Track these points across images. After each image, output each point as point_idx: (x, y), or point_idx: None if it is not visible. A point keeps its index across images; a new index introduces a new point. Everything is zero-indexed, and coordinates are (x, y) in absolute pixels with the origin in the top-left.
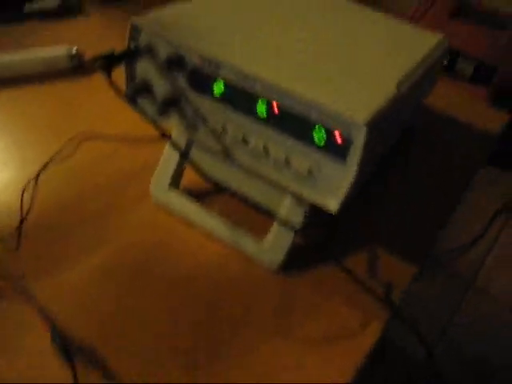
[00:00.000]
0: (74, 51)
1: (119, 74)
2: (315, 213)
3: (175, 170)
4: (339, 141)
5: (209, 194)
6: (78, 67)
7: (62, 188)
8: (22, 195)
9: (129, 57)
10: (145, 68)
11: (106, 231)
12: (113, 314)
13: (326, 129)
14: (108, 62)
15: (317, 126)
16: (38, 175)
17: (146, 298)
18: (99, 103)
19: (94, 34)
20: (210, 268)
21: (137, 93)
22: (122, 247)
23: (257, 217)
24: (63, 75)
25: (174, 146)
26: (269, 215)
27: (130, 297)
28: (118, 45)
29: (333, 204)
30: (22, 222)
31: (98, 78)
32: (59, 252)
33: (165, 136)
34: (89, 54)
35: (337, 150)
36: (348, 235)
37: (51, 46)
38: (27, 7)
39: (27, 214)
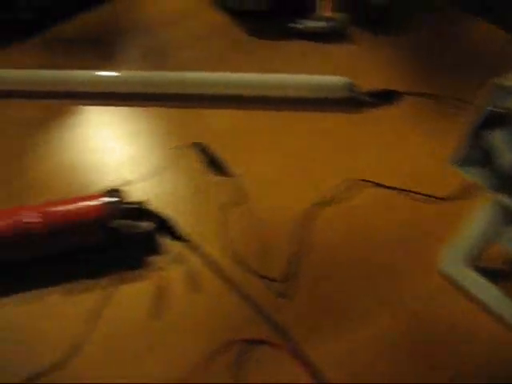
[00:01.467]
0: (353, 83)
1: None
2: None
3: (478, 245)
4: None
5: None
6: (350, 99)
7: (334, 231)
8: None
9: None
10: (496, 135)
11: (385, 291)
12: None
13: None
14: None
15: None
16: (312, 211)
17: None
18: (374, 142)
19: (363, 63)
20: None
21: (477, 160)
22: (403, 313)
23: None
24: (333, 105)
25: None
26: None
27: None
28: (390, 78)
29: None
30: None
31: (373, 116)
32: (334, 308)
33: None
34: (360, 85)
35: None
36: None
37: (322, 74)
38: (292, 26)
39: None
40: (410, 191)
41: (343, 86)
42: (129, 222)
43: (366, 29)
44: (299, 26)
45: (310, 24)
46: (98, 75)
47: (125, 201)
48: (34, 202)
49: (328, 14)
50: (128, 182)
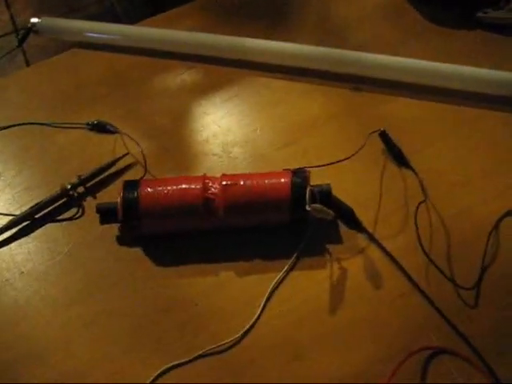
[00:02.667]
0: None
1: None
2: None
3: None
4: None
5: None
6: None
7: None
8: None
9: None
10: None
11: None
12: None
13: None
14: None
15: None
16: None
17: None
18: None
19: None
20: None
21: None
22: None
23: None
24: None
25: None
26: None
27: None
28: None
29: None
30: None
31: None
32: None
33: None
34: None
35: None
36: None
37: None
38: (481, 14)
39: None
40: None
41: None
42: (320, 207)
43: None
44: (487, 15)
45: (499, 14)
46: (269, 45)
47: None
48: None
49: None
50: (305, 165)
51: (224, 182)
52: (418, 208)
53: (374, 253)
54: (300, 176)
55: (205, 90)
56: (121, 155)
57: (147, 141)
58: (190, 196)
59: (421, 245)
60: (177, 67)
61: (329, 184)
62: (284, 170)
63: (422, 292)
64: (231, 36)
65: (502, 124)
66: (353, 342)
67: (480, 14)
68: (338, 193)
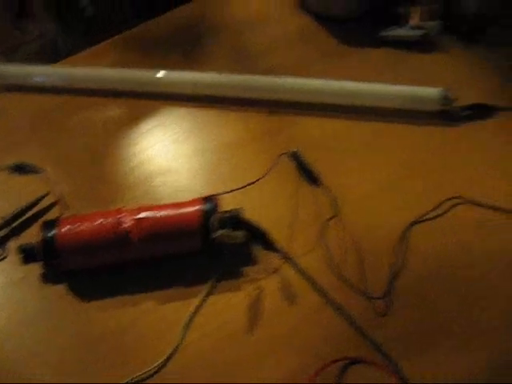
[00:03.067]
0: (449, 95)
1: None
2: None
3: None
4: None
5: None
6: (443, 112)
7: (432, 250)
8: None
9: None
10: None
11: (485, 319)
12: None
13: None
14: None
15: None
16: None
17: None
18: (470, 158)
19: (455, 74)
20: None
21: None
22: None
23: None
24: (426, 117)
25: None
26: None
27: None
28: (485, 91)
29: None
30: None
31: (467, 130)
32: (432, 328)
33: None
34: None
35: None
36: None
37: (414, 84)
38: (384, 33)
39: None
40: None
41: (439, 97)
42: (226, 232)
43: (459, 38)
44: (389, 33)
45: (401, 32)
46: (184, 76)
47: (221, 209)
48: (122, 206)
49: (419, 22)
50: (218, 190)
51: (138, 215)
52: (327, 224)
53: (289, 271)
54: (209, 203)
55: (127, 122)
56: (42, 195)
57: (71, 178)
58: (106, 230)
59: (330, 261)
60: (99, 103)
61: (239, 208)
62: (196, 198)
63: (335, 305)
64: (150, 69)
65: (407, 136)
66: (274, 358)
67: (383, 33)
68: (253, 214)
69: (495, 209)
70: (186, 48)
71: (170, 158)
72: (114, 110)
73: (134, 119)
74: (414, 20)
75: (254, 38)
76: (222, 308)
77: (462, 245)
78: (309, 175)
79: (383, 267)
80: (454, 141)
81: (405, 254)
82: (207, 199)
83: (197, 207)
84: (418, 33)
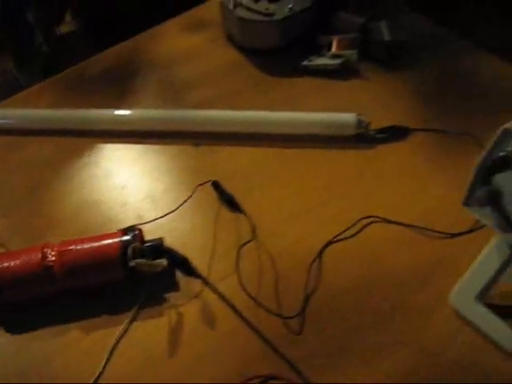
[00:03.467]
0: (363, 120)
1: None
2: None
3: (488, 282)
4: None
5: None
6: (360, 135)
7: (347, 268)
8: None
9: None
10: (503, 178)
11: (396, 331)
12: None
13: None
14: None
15: None
16: (324, 249)
17: None
18: (386, 178)
19: (373, 98)
20: None
21: (486, 201)
22: (417, 354)
23: None
24: (344, 141)
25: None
26: None
27: None
28: (400, 113)
29: None
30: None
31: (383, 152)
32: (347, 344)
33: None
34: (370, 121)
35: None
36: None
37: (334, 110)
38: (306, 63)
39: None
40: (423, 228)
41: (353, 122)
42: (146, 262)
43: (377, 65)
44: (311, 63)
45: (322, 61)
46: (115, 114)
47: (142, 239)
48: (54, 240)
49: (339, 50)
50: (145, 219)
51: (60, 248)
52: (244, 249)
53: (209, 295)
54: (129, 234)
55: (60, 159)
56: None
57: (2, 217)
58: (30, 266)
59: (247, 284)
60: (34, 142)
61: (160, 238)
62: (118, 230)
63: (252, 326)
64: (82, 109)
65: (325, 160)
66: (195, 379)
67: (305, 63)
68: (176, 242)
69: (407, 226)
70: (118, 86)
71: (102, 190)
72: (48, 147)
73: (68, 157)
74: (334, 49)
75: (184, 73)
76: (145, 334)
77: (376, 261)
78: (230, 203)
79: (299, 287)
80: (370, 163)
81: (320, 272)
82: (127, 230)
83: (117, 239)
84: (338, 61)
